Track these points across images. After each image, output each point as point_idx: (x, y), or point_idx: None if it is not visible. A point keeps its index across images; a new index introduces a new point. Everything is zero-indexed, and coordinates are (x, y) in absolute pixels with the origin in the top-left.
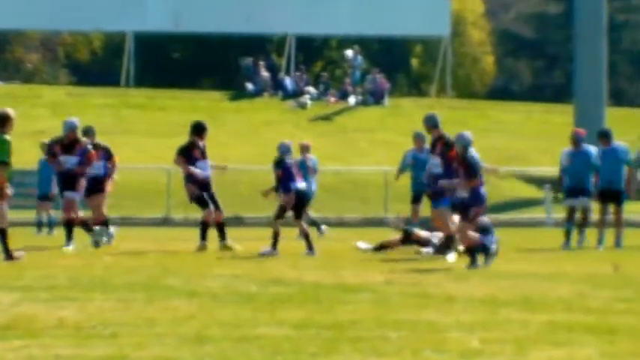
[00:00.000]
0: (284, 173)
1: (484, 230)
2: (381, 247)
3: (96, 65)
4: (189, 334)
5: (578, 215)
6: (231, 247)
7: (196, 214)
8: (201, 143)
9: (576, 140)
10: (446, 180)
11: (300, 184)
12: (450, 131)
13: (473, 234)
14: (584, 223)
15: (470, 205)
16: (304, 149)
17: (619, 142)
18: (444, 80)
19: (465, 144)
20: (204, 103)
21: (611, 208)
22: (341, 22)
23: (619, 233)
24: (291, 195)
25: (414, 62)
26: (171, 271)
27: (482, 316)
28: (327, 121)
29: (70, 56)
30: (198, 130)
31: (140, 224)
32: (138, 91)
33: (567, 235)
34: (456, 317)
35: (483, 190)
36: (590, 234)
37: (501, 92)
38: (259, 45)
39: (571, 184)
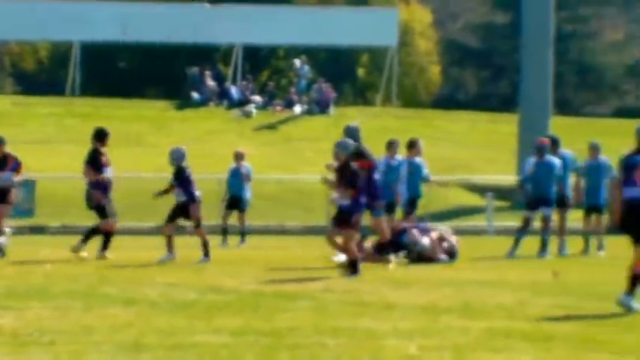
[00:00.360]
0: (186, 182)
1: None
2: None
3: (42, 75)
4: (127, 342)
5: (537, 224)
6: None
7: (142, 222)
8: (103, 149)
9: (541, 150)
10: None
11: (197, 192)
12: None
13: (354, 247)
14: (545, 231)
15: (352, 213)
16: (239, 157)
17: (566, 150)
18: (389, 89)
19: (348, 152)
20: (149, 113)
21: (555, 215)
22: (288, 31)
23: (562, 241)
24: (197, 203)
25: (361, 72)
26: (110, 280)
27: (422, 324)
28: (273, 130)
29: (15, 65)
30: (101, 136)
31: (83, 233)
32: (83, 101)
33: (516, 243)
34: (395, 324)
35: (363, 198)
36: (529, 242)
37: (447, 101)
38: (206, 54)
39: (533, 194)
